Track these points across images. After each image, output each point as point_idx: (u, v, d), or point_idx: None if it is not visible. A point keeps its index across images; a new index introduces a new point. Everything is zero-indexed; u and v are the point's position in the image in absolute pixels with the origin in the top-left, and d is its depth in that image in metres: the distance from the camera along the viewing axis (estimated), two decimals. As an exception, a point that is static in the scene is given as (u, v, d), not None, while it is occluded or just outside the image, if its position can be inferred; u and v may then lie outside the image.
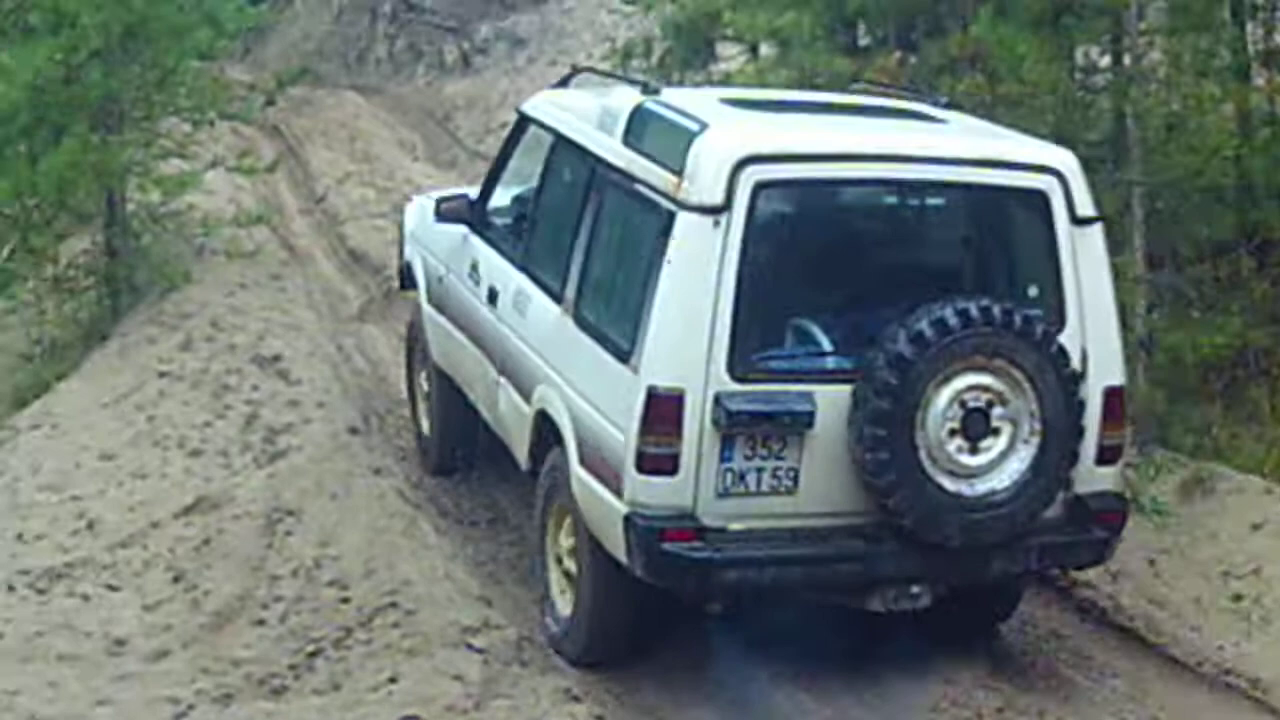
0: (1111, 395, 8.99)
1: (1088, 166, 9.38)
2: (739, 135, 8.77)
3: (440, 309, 11.76)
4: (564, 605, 9.53)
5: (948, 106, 10.51)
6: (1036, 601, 10.50)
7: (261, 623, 10.24)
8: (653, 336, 8.45)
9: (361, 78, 27.51)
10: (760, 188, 8.48)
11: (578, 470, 9.07)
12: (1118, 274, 9.57)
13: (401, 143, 22.92)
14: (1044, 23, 13.06)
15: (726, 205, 8.39)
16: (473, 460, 11.98)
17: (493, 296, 10.64)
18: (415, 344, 12.55)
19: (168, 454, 12.53)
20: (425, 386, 12.30)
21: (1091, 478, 9.03)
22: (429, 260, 12.08)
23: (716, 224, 8.40)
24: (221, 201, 17.66)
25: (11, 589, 10.60)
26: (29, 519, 11.59)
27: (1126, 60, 13.25)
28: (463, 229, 11.30)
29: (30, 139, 15.51)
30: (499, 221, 11.15)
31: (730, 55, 17.25)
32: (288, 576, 10.73)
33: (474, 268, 11.08)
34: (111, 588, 10.68)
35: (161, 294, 15.49)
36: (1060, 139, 12.77)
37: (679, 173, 8.55)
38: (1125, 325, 9.91)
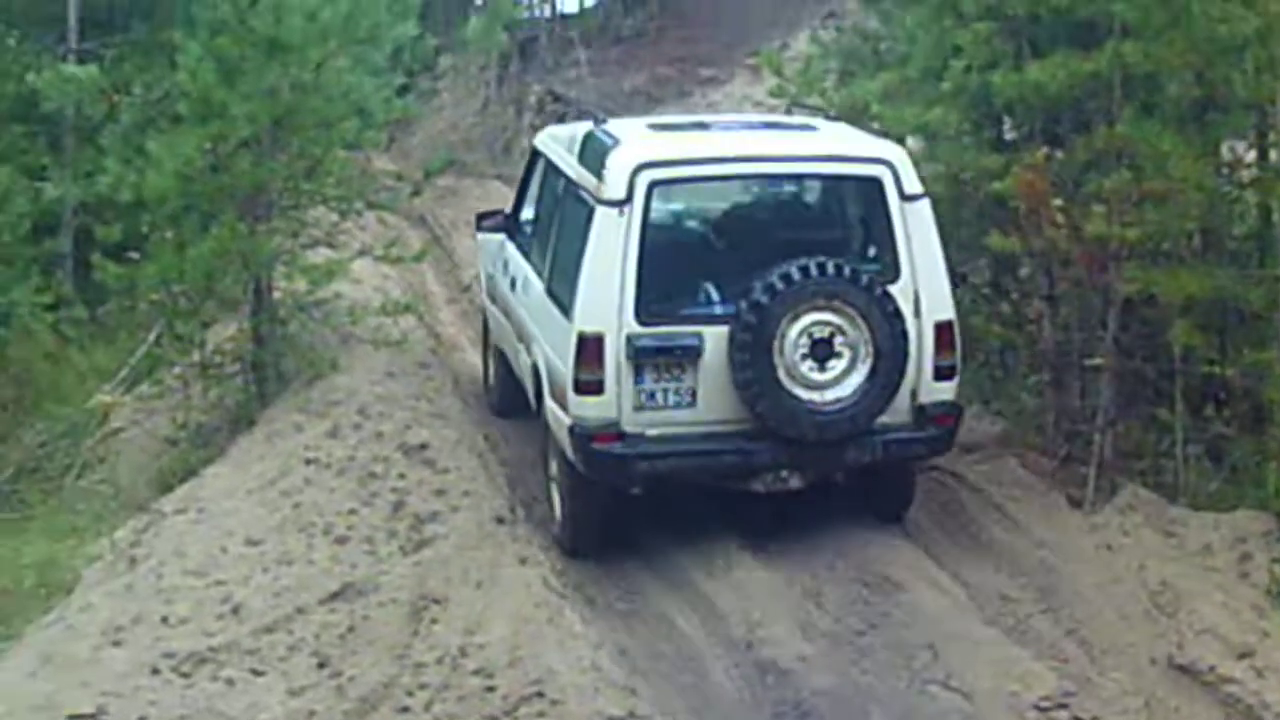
0: (942, 327, 12.12)
1: (1235, 260, 11.83)
2: (639, 149, 12.15)
3: (491, 299, 15.37)
4: (558, 512, 12.56)
5: (834, 119, 14.68)
6: (1183, 696, 10.47)
7: (406, 710, 10.16)
8: (581, 295, 11.69)
9: (507, 167, 27.45)
10: (653, 185, 11.79)
11: (548, 400, 12.40)
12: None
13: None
14: (1189, 118, 12.89)
15: (628, 199, 11.68)
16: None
17: (513, 284, 14.12)
18: (485, 329, 15.93)
19: (313, 540, 12.48)
20: (490, 360, 15.67)
21: (931, 391, 12.17)
22: (484, 264, 15.89)
23: (621, 213, 11.68)
24: (368, 290, 17.64)
25: (156, 672, 10.55)
26: (174, 603, 11.54)
27: (1272, 155, 13.09)
28: (500, 236, 15.00)
29: (179, 226, 15.55)
30: (521, 228, 14.68)
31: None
32: (433, 664, 10.63)
33: (505, 265, 14.63)
34: (256, 673, 10.63)
35: (308, 381, 15.46)
36: (1206, 234, 12.62)
37: (600, 177, 11.89)
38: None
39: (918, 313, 11.98)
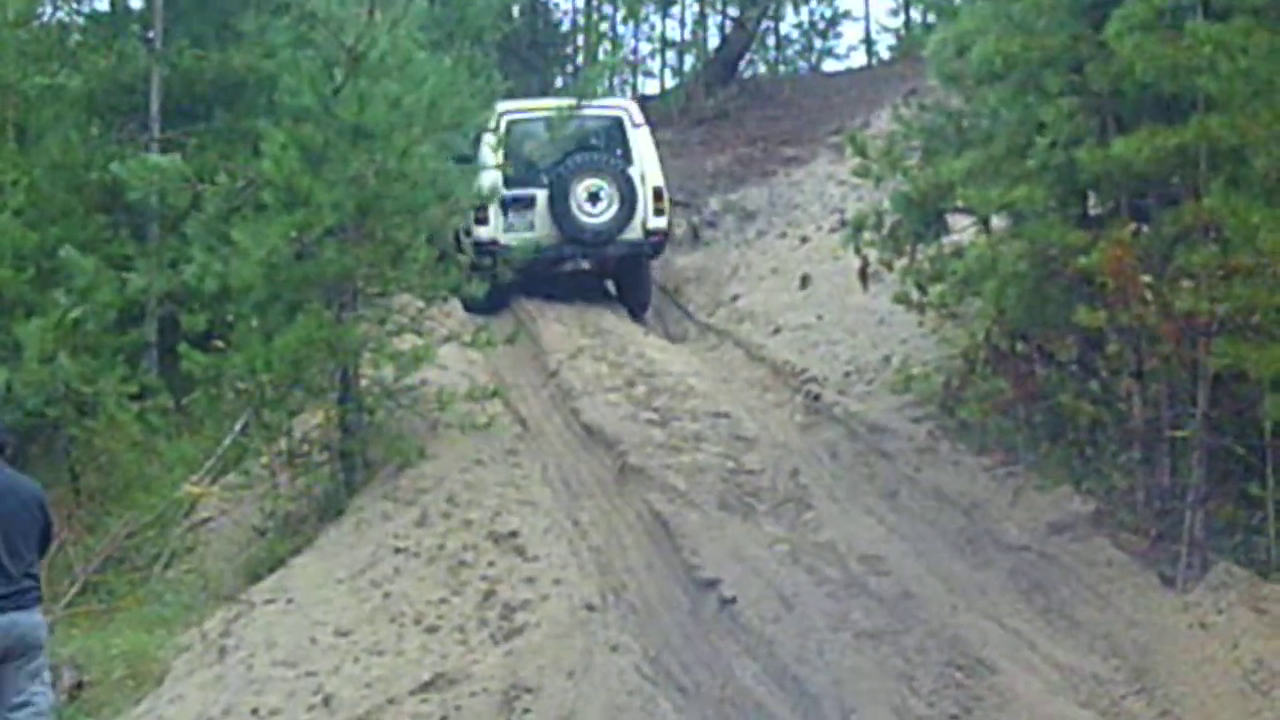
0: (656, 189, 22.28)
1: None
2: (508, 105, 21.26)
3: None
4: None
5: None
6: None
7: (499, 801, 10.08)
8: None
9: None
10: (511, 123, 21.48)
11: (464, 234, 21.56)
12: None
13: (631, 316, 22.85)
14: (1277, 191, 12.71)
15: (497, 129, 20.76)
16: None
17: None
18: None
19: (404, 630, 12.46)
20: None
21: (652, 221, 22.20)
22: None
23: (496, 139, 20.72)
24: (454, 376, 17.62)
25: (248, 765, 10.52)
26: (265, 694, 11.55)
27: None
28: None
29: (265, 315, 15.58)
30: None
31: (962, 227, 16.95)
32: (526, 754, 10.57)
33: None
34: (349, 764, 10.58)
35: (396, 469, 15.47)
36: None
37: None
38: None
39: (643, 181, 22.21)
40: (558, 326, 21.44)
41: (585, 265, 21.99)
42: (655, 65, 36.50)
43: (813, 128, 28.63)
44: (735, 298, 22.74)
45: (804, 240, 23.70)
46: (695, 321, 22.73)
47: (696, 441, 16.44)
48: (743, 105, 31.58)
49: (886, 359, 18.11)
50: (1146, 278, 13.19)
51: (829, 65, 35.86)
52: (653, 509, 14.74)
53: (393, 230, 15.72)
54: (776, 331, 20.60)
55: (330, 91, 15.52)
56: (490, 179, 18.60)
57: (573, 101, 21.25)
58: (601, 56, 23.03)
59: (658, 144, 24.74)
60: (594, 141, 22.54)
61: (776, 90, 32.79)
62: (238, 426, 17.49)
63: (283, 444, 16.25)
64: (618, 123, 22.58)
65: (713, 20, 35.76)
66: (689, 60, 35.61)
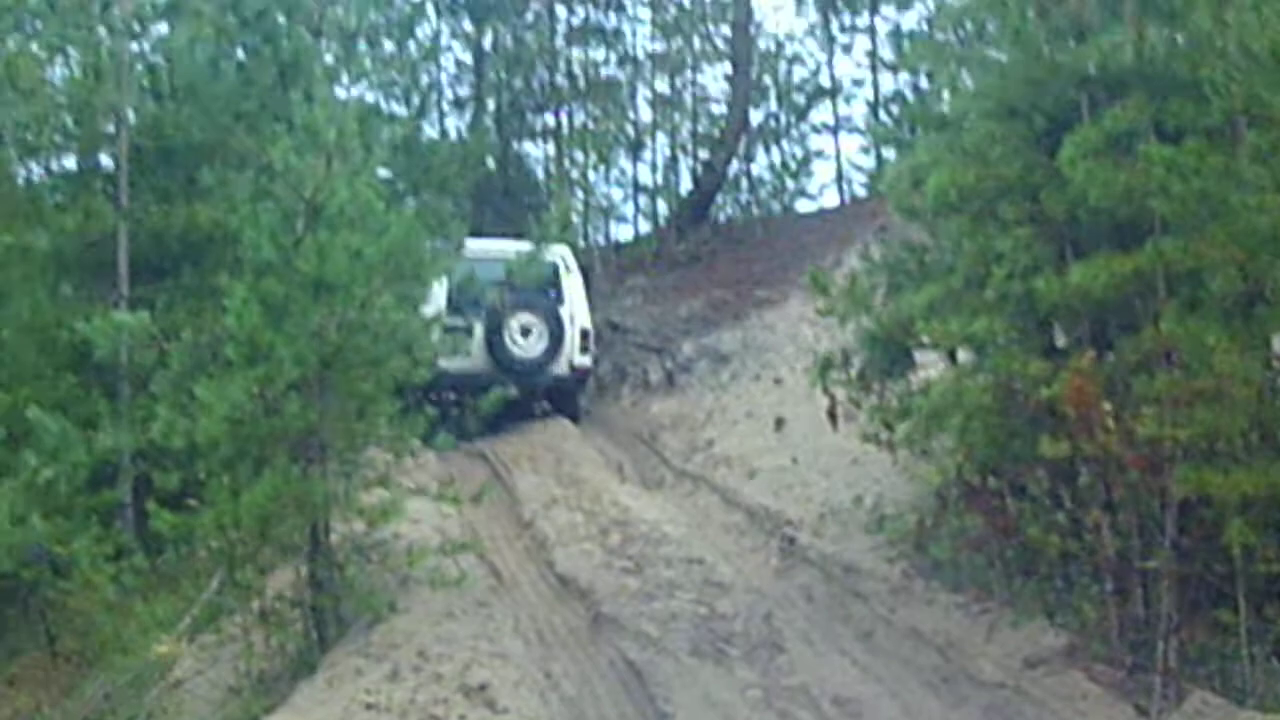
0: (583, 330, 24.46)
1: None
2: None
3: None
4: None
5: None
6: None
7: None
8: None
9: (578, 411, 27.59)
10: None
11: None
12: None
13: (609, 464, 22.81)
14: (1235, 313, 12.74)
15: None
16: None
17: None
18: None
19: (372, 787, 12.28)
20: None
21: (577, 358, 24.42)
22: None
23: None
24: (427, 530, 17.51)
25: None
26: None
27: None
28: None
29: (232, 472, 15.47)
30: None
31: (929, 363, 16.94)
32: None
33: None
34: None
35: (368, 625, 15.31)
36: (1261, 430, 12.42)
37: None
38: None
39: (572, 321, 24.38)
40: (532, 477, 21.41)
41: (514, 392, 21.78)
42: (629, 209, 36.69)
43: (785, 269, 28.67)
44: (710, 442, 22.70)
45: (778, 382, 23.71)
46: (671, 468, 22.64)
47: (670, 589, 16.36)
48: (715, 248, 31.70)
49: (859, 499, 18.02)
50: (1107, 406, 13.09)
51: (802, 205, 36.08)
52: (625, 657, 14.64)
53: (356, 383, 15.63)
54: (752, 475, 20.55)
55: (291, 244, 15.48)
56: (434, 310, 18.61)
57: (516, 244, 23.09)
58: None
59: (633, 290, 25.02)
60: (530, 281, 23.32)
61: (749, 232, 32.94)
62: (214, 585, 17.30)
63: (256, 602, 16.09)
64: (554, 266, 24.16)
65: (685, 164, 35.99)
66: (661, 205, 35.76)
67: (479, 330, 23.61)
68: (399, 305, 15.86)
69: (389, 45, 27.69)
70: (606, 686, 14.29)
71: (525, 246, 21.95)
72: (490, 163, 35.60)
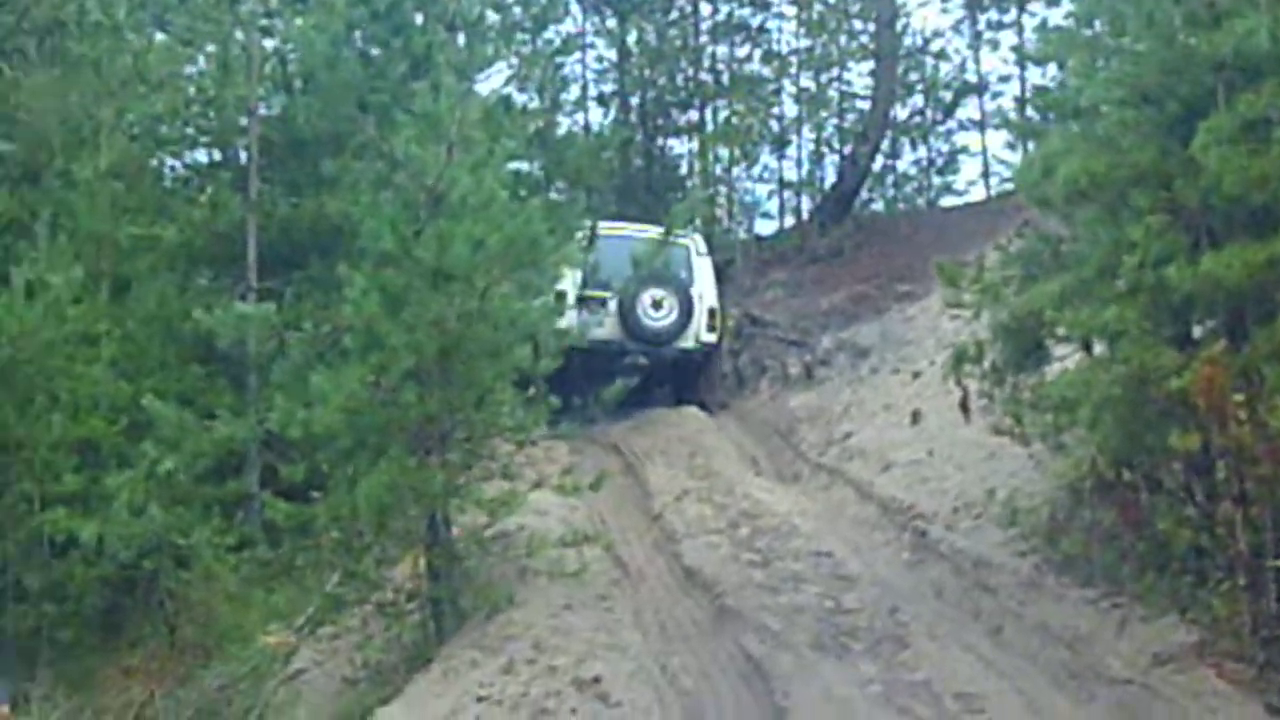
0: (710, 310, 25.43)
1: None
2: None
3: None
4: None
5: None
6: None
7: None
8: None
9: (709, 393, 27.38)
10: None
11: None
12: None
13: (744, 457, 22.62)
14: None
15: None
16: None
17: None
18: None
19: (480, 779, 12.14)
20: None
21: (703, 334, 25.33)
22: None
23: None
24: (553, 521, 17.39)
25: None
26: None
27: None
28: None
29: (350, 462, 15.40)
30: None
31: (1064, 355, 16.49)
32: None
33: None
34: None
35: (486, 616, 15.20)
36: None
37: None
38: None
39: (700, 299, 25.28)
40: (665, 469, 21.22)
41: (643, 361, 24.82)
42: (774, 205, 36.44)
43: (927, 263, 28.02)
44: (847, 435, 22.37)
45: (916, 375, 23.30)
46: (807, 461, 22.34)
47: (796, 582, 16.09)
48: (858, 243, 31.31)
49: (991, 492, 17.63)
50: (1240, 397, 12.65)
51: (948, 201, 35.60)
52: (746, 651, 14.37)
53: (476, 373, 15.48)
54: (887, 468, 20.19)
55: (411, 233, 15.38)
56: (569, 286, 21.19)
57: (658, 234, 24.40)
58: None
59: (774, 284, 26.89)
60: (664, 262, 25.00)
61: (892, 226, 32.56)
62: (335, 577, 17.24)
63: (375, 594, 16.02)
64: (685, 250, 25.48)
65: (829, 160, 35.69)
66: (805, 200, 35.45)
67: (613, 302, 24.58)
68: (520, 294, 15.71)
69: (523, 39, 27.52)
70: (726, 680, 14.05)
71: (656, 231, 23.43)
72: (635, 158, 35.62)
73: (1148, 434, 14.22)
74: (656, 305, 24.76)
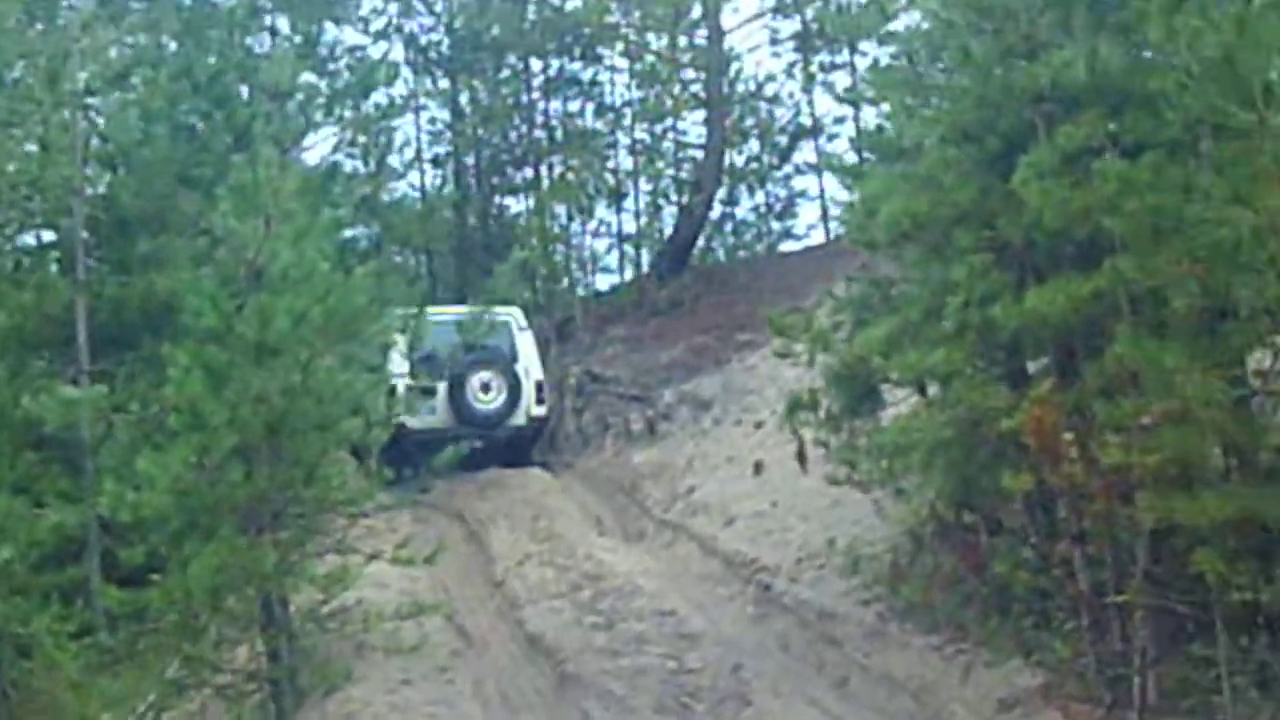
0: (538, 382, 25.45)
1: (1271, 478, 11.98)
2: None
3: None
4: None
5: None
6: None
7: None
8: None
9: (553, 454, 27.18)
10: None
11: None
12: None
13: (587, 517, 22.37)
14: (1201, 332, 12.17)
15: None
16: None
17: None
18: None
19: None
20: None
21: (534, 409, 25.28)
22: None
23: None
24: (393, 594, 17.07)
25: None
26: None
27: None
28: None
29: (183, 544, 15.00)
30: None
31: (899, 399, 16.40)
32: None
33: None
34: None
35: (324, 694, 14.90)
36: (1238, 453, 11.86)
37: None
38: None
39: (526, 375, 25.27)
40: (507, 534, 20.93)
41: (478, 444, 23.00)
42: (614, 258, 36.26)
43: (767, 310, 28.11)
44: (690, 490, 22.19)
45: (758, 426, 23.17)
46: (652, 517, 22.14)
47: (639, 643, 15.91)
48: (697, 293, 31.12)
49: (832, 542, 17.53)
50: (1069, 436, 12.58)
51: (788, 245, 35.57)
52: (589, 718, 14.14)
53: (304, 448, 15.16)
54: (730, 522, 20.04)
55: (234, 309, 15.07)
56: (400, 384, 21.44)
57: (470, 308, 24.30)
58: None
59: (614, 339, 27.03)
60: (485, 341, 25.15)
61: (731, 275, 32.44)
62: (177, 662, 16.81)
63: (215, 678, 15.63)
64: (507, 325, 25.58)
65: (668, 211, 35.57)
66: (644, 253, 35.31)
67: (442, 389, 24.57)
68: (345, 367, 15.42)
69: (349, 105, 27.19)
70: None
71: (472, 309, 23.69)
72: (471, 218, 35.36)
73: (983, 476, 14.16)
74: (485, 388, 24.96)
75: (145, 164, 20.55)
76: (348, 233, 21.54)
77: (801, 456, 17.42)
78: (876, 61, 32.50)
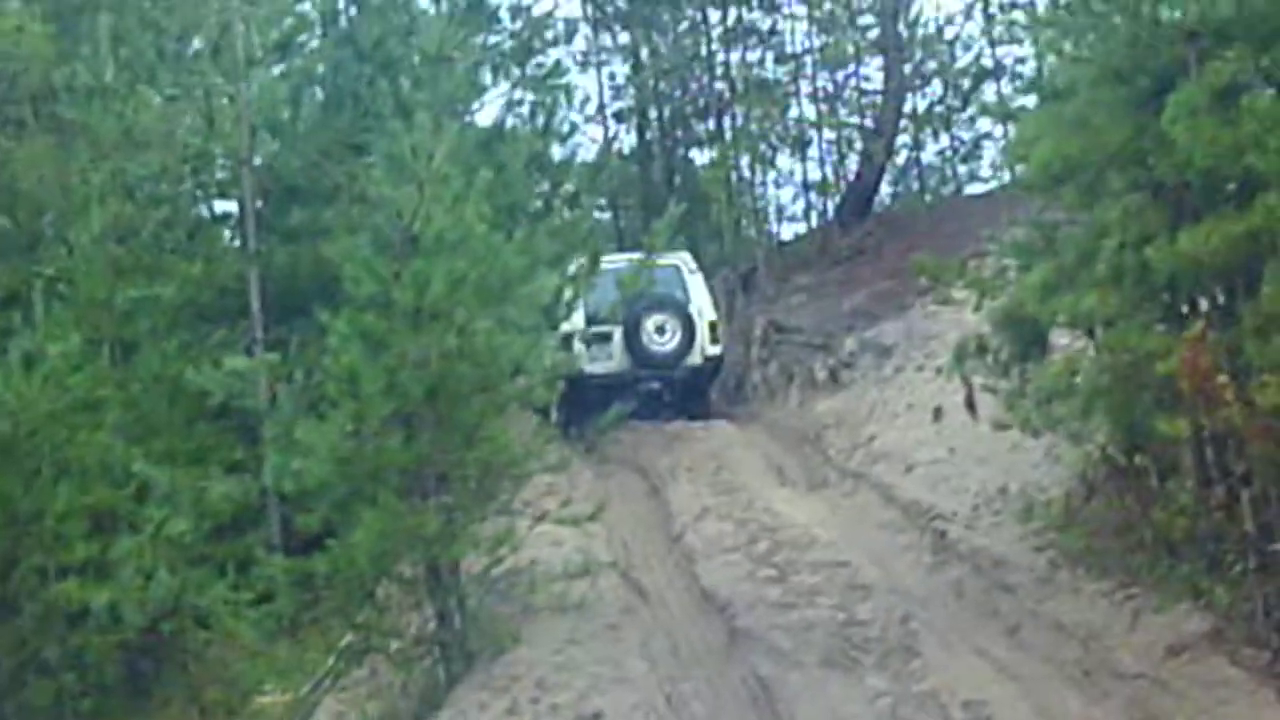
0: (711, 323, 26.23)
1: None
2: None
3: None
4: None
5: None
6: None
7: None
8: None
9: (740, 405, 27.23)
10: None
11: None
12: None
13: (770, 468, 22.28)
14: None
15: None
16: None
17: None
18: None
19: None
20: None
21: (708, 348, 26.05)
22: None
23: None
24: (569, 551, 17.09)
25: None
26: None
27: None
28: None
29: (348, 513, 15.17)
30: None
31: (1069, 343, 16.10)
32: None
33: None
34: None
35: (492, 657, 14.97)
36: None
37: None
38: None
39: (700, 315, 25.97)
40: (688, 487, 20.93)
41: (656, 386, 25.71)
42: (799, 208, 36.10)
43: (950, 254, 27.73)
44: (872, 438, 22.02)
45: (939, 371, 22.84)
46: (835, 467, 22.00)
47: (811, 596, 15.79)
48: (880, 240, 30.92)
49: (1004, 489, 17.31)
50: (1224, 378, 12.28)
51: (973, 189, 35.18)
52: (756, 673, 14.09)
53: (464, 411, 15.23)
54: (909, 469, 19.88)
55: (391, 276, 15.17)
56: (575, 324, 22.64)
57: (639, 258, 23.31)
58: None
59: (797, 289, 27.63)
60: (658, 285, 25.09)
61: (913, 221, 32.15)
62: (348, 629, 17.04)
63: (384, 643, 15.82)
64: (676, 270, 26.02)
65: (852, 159, 35.33)
66: (830, 201, 35.10)
67: (618, 334, 25.51)
68: (503, 329, 15.46)
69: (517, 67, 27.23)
70: (735, 704, 13.77)
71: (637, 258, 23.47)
72: (656, 172, 35.43)
73: (1147, 420, 13.87)
74: (660, 330, 25.63)
75: (309, 133, 20.80)
76: (513, 195, 21.51)
77: (970, 403, 17.22)
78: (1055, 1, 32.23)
